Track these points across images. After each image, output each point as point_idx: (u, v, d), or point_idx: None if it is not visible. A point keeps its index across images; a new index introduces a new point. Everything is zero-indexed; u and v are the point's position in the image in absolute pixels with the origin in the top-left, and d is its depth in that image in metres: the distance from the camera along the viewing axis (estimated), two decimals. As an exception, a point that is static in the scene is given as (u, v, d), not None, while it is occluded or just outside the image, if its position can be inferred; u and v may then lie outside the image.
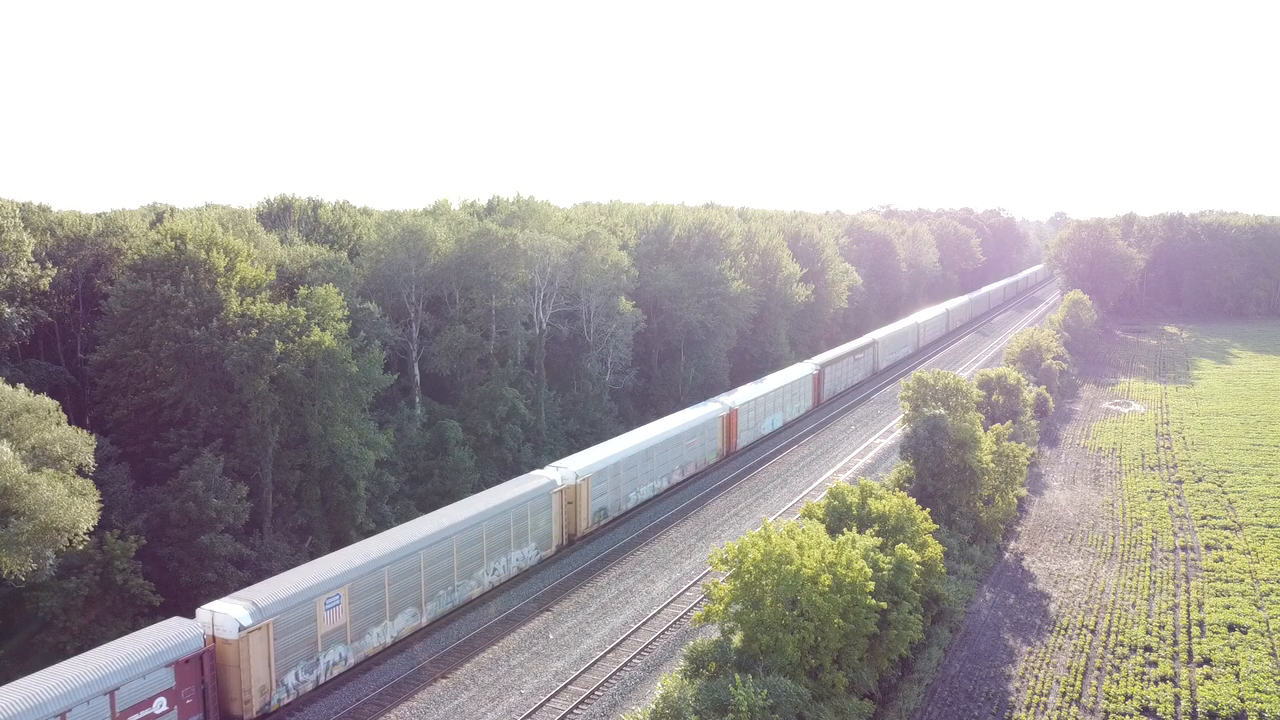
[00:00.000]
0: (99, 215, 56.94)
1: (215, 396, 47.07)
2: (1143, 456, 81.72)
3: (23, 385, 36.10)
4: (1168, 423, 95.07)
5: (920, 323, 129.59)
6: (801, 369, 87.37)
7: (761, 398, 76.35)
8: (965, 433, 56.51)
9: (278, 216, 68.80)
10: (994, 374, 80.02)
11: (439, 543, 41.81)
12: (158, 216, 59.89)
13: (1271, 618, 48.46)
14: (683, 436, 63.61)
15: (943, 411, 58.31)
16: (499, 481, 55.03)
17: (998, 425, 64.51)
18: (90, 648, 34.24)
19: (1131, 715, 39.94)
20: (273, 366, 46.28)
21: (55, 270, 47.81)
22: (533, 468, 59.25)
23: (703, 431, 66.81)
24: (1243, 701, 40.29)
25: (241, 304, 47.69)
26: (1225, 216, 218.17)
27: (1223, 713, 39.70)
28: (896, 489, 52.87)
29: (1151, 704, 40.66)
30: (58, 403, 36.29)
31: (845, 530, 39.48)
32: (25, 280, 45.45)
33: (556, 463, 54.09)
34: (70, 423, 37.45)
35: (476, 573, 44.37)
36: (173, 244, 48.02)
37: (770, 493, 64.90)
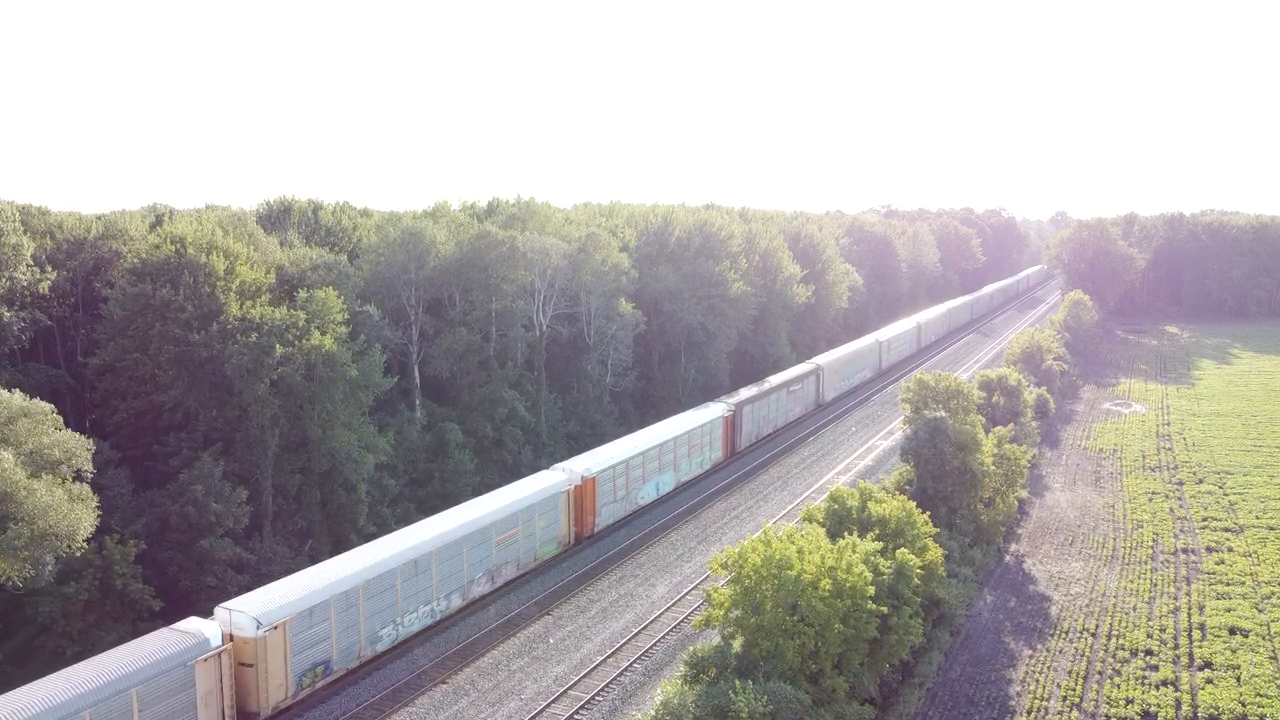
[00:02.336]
0: (99, 217, 56.90)
1: (215, 400, 47.02)
2: (1143, 458, 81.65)
3: (19, 390, 36.03)
4: (1168, 424, 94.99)
5: (883, 340, 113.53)
6: (708, 412, 69.73)
7: (634, 458, 57.76)
8: (966, 435, 56.44)
9: (278, 218, 68.75)
10: (994, 375, 79.95)
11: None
12: (157, 218, 59.88)
13: (1273, 621, 48.38)
14: (472, 538, 44.16)
15: (943, 414, 58.24)
16: (500, 484, 55.13)
17: (999, 428, 64.44)
18: (90, 653, 34.31)
19: (1132, 719, 39.88)
20: (273, 370, 46.22)
21: (55, 273, 47.74)
22: (533, 470, 59.21)
23: (526, 519, 47.77)
24: (1244, 706, 40.22)
25: (241, 307, 47.64)
26: (1226, 216, 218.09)
27: (1224, 717, 39.64)
28: (897, 492, 52.79)
29: (1152, 708, 40.61)
30: (54, 406, 36.23)
31: (845, 534, 39.43)
32: (25, 284, 45.39)
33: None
34: (70, 427, 37.46)
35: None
36: (173, 247, 47.99)
37: (770, 495, 64.84)
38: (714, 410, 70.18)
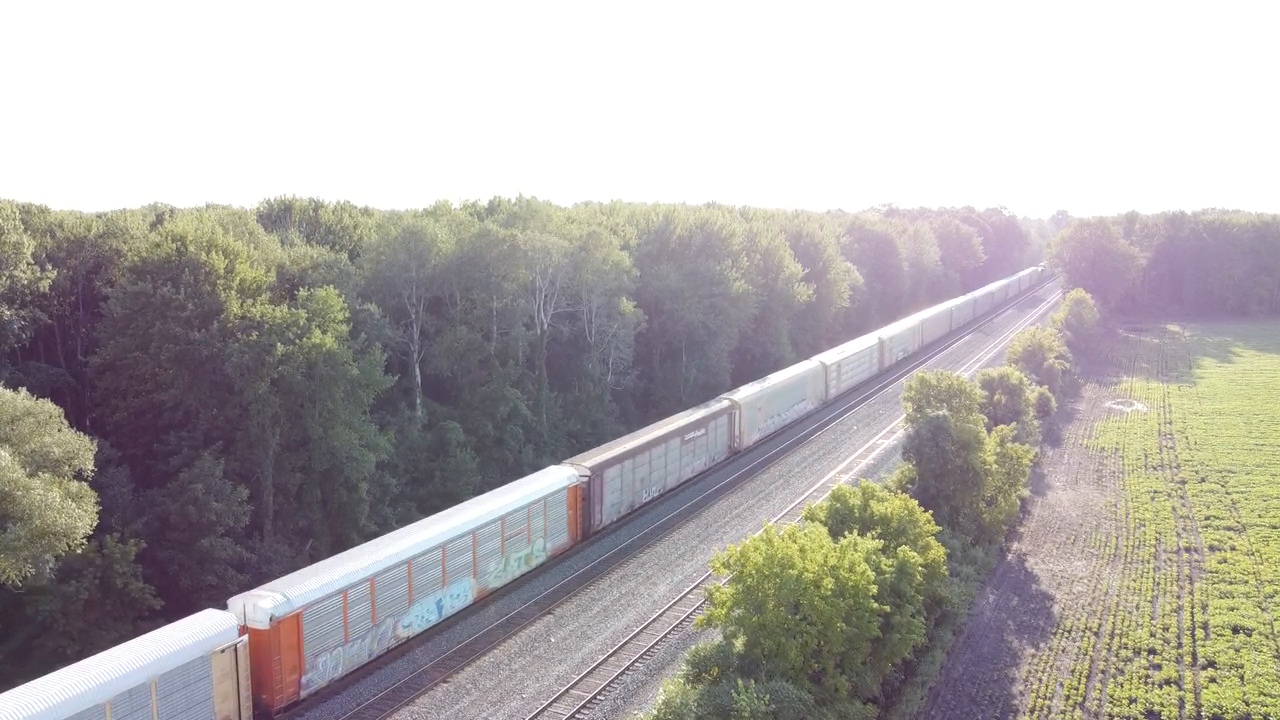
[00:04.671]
0: (99, 216, 56.74)
1: (215, 399, 46.92)
2: (1145, 456, 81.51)
3: (24, 389, 35.93)
4: (1170, 422, 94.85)
5: (830, 364, 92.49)
6: (546, 480, 50.35)
7: (387, 571, 39.42)
8: (968, 434, 56.33)
9: (278, 217, 68.64)
10: (996, 374, 79.84)
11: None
12: (158, 217, 59.73)
13: (1276, 620, 48.26)
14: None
15: (945, 412, 58.11)
16: (501, 483, 55.01)
17: (1001, 426, 64.32)
18: (90, 652, 34.17)
19: (1135, 718, 39.77)
20: (273, 369, 46.12)
21: (55, 272, 47.61)
22: (534, 469, 59.13)
23: None
24: (1248, 705, 40.09)
25: (242, 306, 47.55)
26: (1227, 215, 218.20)
27: (1227, 716, 39.52)
28: (899, 490, 52.71)
29: (1156, 707, 40.49)
30: (61, 409, 36.12)
31: (847, 533, 39.31)
32: (25, 282, 45.26)
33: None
34: (70, 425, 37.31)
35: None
36: (173, 246, 47.88)
37: (772, 494, 64.74)
38: (555, 478, 50.89)
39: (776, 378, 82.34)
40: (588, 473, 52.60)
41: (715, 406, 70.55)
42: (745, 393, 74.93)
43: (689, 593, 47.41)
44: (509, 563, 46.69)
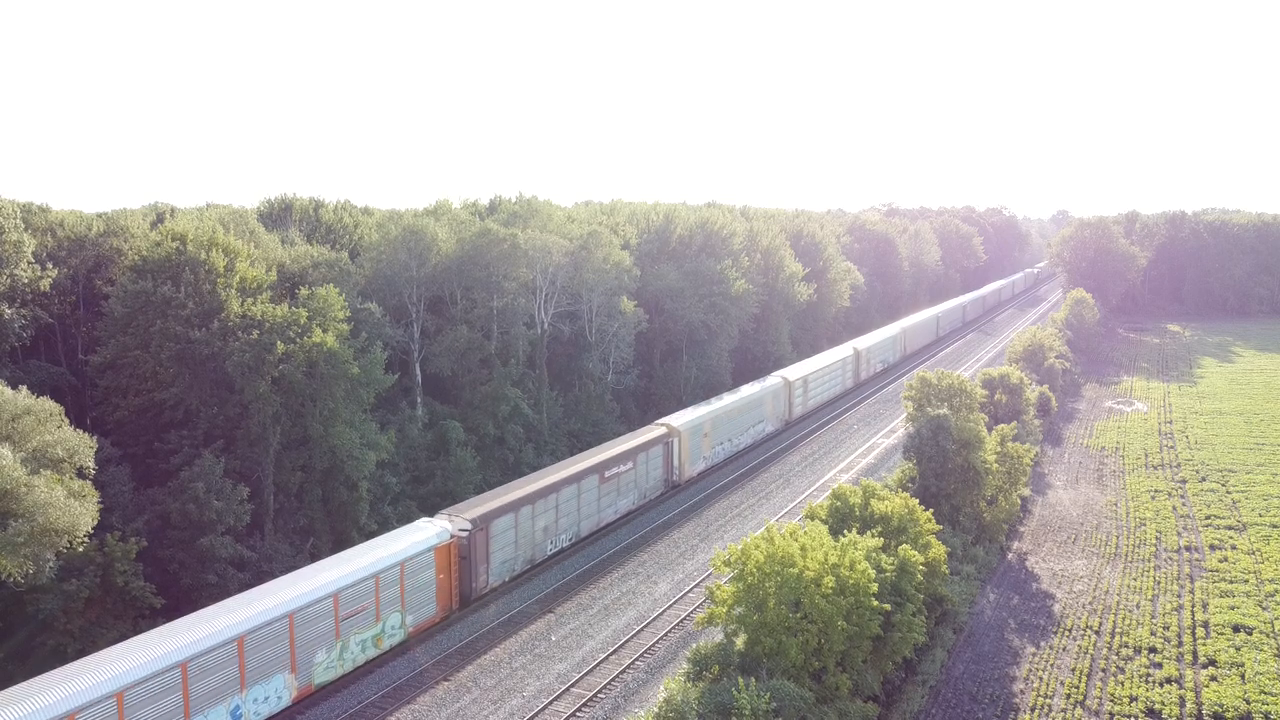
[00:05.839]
0: (100, 215, 56.76)
1: (216, 398, 46.94)
2: (1146, 456, 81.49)
3: (24, 387, 35.96)
4: (1171, 422, 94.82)
5: (794, 379, 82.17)
6: (406, 541, 41.20)
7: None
8: (969, 433, 56.31)
9: (279, 216, 68.68)
10: (997, 373, 79.81)
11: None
12: (159, 216, 59.74)
13: (1276, 618, 48.24)
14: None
15: (946, 411, 58.11)
16: (501, 482, 54.99)
17: (1002, 426, 64.32)
18: (91, 650, 34.21)
19: (1136, 717, 39.75)
20: (274, 367, 46.14)
21: (56, 271, 47.64)
22: (534, 468, 59.14)
23: None
24: (1248, 703, 40.08)
25: (242, 305, 47.56)
26: (1228, 215, 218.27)
27: (1228, 714, 39.50)
28: (899, 489, 52.69)
29: (1156, 705, 40.47)
30: (61, 407, 36.14)
31: (848, 531, 39.31)
32: (26, 281, 45.29)
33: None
34: (71, 424, 37.32)
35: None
36: (173, 245, 47.90)
37: (773, 493, 64.71)
38: (418, 537, 41.76)
39: (728, 398, 72.40)
40: (467, 526, 43.53)
41: (646, 435, 60.43)
42: (686, 417, 65.04)
43: (690, 591, 47.41)
44: (347, 649, 37.43)
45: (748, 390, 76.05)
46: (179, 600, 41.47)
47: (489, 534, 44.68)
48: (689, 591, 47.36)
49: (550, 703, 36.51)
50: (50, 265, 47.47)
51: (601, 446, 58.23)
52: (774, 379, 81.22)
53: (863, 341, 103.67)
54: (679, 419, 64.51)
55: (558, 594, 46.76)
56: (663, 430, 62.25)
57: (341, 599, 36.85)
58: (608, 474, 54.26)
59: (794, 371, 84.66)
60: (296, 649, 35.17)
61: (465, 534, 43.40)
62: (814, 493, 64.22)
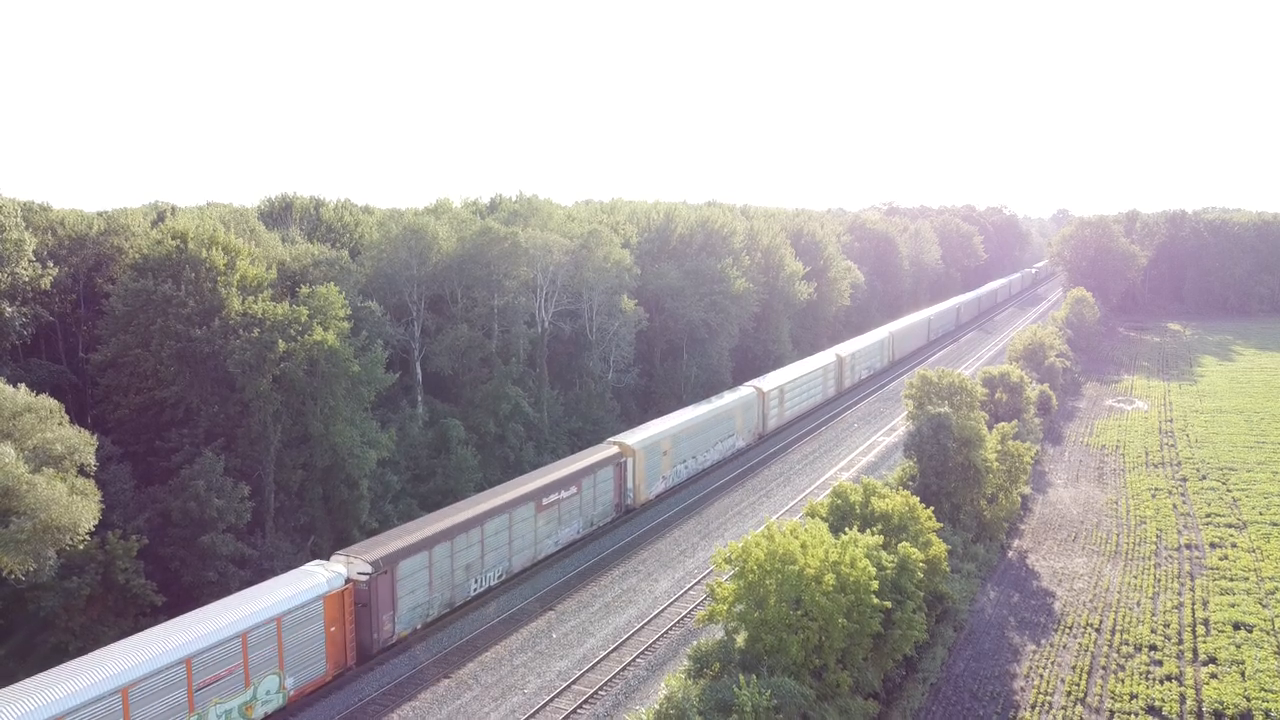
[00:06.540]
0: (100, 214, 56.80)
1: (217, 396, 46.95)
2: (1146, 454, 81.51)
3: (24, 385, 35.98)
4: (1171, 420, 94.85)
5: (768, 390, 76.45)
6: (287, 591, 35.66)
7: None
8: (970, 431, 56.35)
9: (279, 215, 68.71)
10: (997, 372, 79.88)
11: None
12: (159, 215, 59.77)
13: (1277, 616, 48.27)
14: None
15: (947, 409, 58.14)
16: (501, 480, 54.83)
17: (1003, 424, 64.36)
18: (92, 648, 34.22)
19: (1137, 714, 39.79)
20: (275, 366, 46.15)
21: (56, 269, 47.65)
22: (534, 467, 59.13)
23: None
24: (1249, 701, 40.11)
25: (243, 303, 47.58)
26: (1228, 214, 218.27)
27: (1229, 712, 39.54)
28: (900, 487, 52.71)
29: (1157, 703, 40.50)
30: (60, 404, 36.15)
31: (848, 529, 39.33)
32: (26, 280, 45.30)
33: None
34: (72, 422, 37.34)
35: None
36: (174, 243, 47.90)
37: (773, 491, 64.75)
38: (304, 585, 36.43)
39: (691, 411, 66.73)
40: (367, 569, 38.27)
41: (594, 456, 54.88)
42: (643, 434, 59.51)
43: (690, 588, 47.45)
44: None
45: (716, 402, 70.36)
46: (180, 598, 41.50)
47: (394, 576, 39.43)
48: (689, 589, 47.40)
49: (551, 700, 36.55)
50: (51, 264, 47.49)
51: (540, 470, 52.92)
52: (746, 389, 75.08)
53: (846, 347, 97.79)
54: (634, 436, 58.88)
55: (558, 591, 46.71)
56: (614, 450, 56.23)
57: (195, 664, 31.34)
58: (545, 501, 49.13)
59: (768, 381, 78.58)
60: None
61: (365, 578, 38.12)
62: (814, 490, 64.25)
